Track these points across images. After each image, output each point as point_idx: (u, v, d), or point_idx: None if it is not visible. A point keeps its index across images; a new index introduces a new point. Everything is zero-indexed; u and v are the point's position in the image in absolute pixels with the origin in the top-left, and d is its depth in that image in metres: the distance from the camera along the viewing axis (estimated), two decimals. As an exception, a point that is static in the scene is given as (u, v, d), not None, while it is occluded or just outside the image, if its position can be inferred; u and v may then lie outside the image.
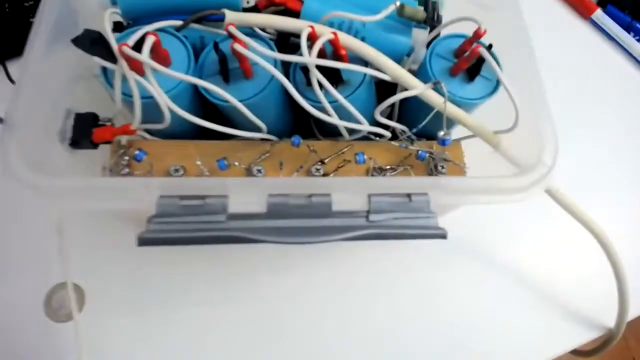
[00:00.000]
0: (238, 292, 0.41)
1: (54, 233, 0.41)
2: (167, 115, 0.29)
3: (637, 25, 0.55)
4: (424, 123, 0.30)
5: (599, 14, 0.57)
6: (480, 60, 0.31)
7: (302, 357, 0.39)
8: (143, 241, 0.24)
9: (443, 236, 0.26)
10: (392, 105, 0.34)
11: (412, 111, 0.35)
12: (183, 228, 0.25)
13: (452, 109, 0.31)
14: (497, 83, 0.32)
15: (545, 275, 0.44)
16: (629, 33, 0.55)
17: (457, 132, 0.35)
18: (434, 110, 0.30)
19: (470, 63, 0.31)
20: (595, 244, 0.36)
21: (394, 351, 0.40)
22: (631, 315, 0.40)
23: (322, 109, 0.29)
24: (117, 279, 0.41)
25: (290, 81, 0.29)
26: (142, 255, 0.41)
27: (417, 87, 0.30)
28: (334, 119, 0.29)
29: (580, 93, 0.53)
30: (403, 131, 0.33)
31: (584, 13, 0.58)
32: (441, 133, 0.30)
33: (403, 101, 0.33)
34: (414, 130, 0.32)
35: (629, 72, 0.55)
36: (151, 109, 0.28)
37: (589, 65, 0.56)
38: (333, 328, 0.40)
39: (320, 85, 0.29)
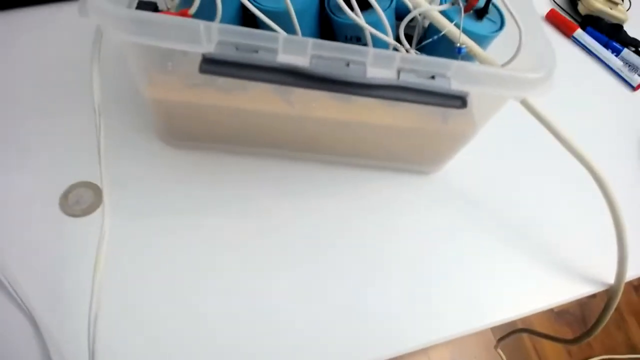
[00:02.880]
0: (253, 209, 0.43)
1: (82, 133, 0.43)
2: (219, 8, 0.33)
3: (614, 44, 0.63)
4: (440, 34, 0.35)
5: (580, 33, 0.65)
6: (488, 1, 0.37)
7: (309, 270, 0.41)
8: (208, 61, 0.27)
9: (463, 102, 0.30)
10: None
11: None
12: (240, 60, 0.28)
13: (463, 38, 0.36)
14: (502, 23, 0.38)
15: (545, 221, 0.47)
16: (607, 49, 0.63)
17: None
18: (450, 25, 0.35)
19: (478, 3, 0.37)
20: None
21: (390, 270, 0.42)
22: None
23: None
24: (138, 183, 0.43)
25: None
26: (165, 160, 0.44)
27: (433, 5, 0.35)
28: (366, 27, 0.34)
29: (565, 102, 0.59)
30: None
31: (567, 32, 0.66)
32: (457, 44, 0.35)
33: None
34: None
35: (610, 82, 0.62)
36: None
37: (573, 77, 0.63)
38: (334, 245, 0.42)
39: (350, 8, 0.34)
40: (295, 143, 0.44)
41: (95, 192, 0.42)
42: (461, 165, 0.48)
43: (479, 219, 0.46)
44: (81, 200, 0.42)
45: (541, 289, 0.44)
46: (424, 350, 1.07)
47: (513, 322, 1.11)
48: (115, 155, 0.43)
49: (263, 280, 0.40)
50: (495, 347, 0.86)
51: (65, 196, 0.41)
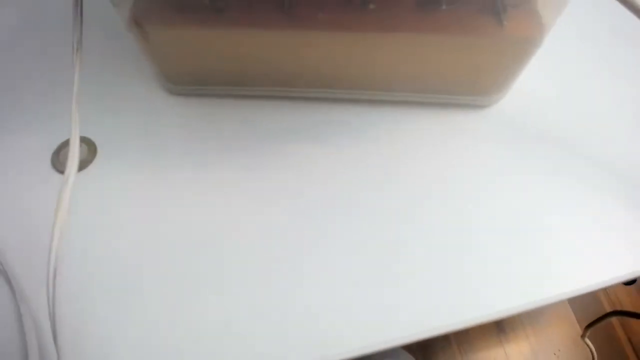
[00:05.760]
0: (262, 159, 0.36)
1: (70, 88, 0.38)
2: None
3: None
4: None
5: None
6: None
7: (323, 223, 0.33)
8: None
9: None
10: None
11: None
12: None
13: None
14: None
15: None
16: None
17: None
18: None
19: None
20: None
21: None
22: None
23: None
24: (135, 135, 0.37)
25: None
26: (164, 108, 0.38)
27: None
28: None
29: None
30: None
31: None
32: None
33: None
34: None
35: None
36: None
37: None
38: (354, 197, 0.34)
39: None
40: (311, 75, 0.36)
41: (90, 147, 0.37)
42: (528, 94, 0.38)
43: (555, 163, 0.36)
44: (73, 155, 0.36)
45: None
46: (500, 344, 0.96)
47: (601, 307, 0.96)
48: (109, 105, 0.38)
49: (280, 237, 0.33)
50: (583, 336, 0.73)
51: (57, 153, 0.37)
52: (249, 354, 0.28)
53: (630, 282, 0.94)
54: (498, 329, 0.98)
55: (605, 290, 1.00)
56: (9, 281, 0.30)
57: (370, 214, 0.34)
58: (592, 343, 0.77)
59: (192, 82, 0.37)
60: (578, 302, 0.99)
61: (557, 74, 0.40)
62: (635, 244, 0.33)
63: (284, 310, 0.30)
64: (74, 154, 0.28)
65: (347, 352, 0.29)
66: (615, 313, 0.62)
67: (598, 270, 0.32)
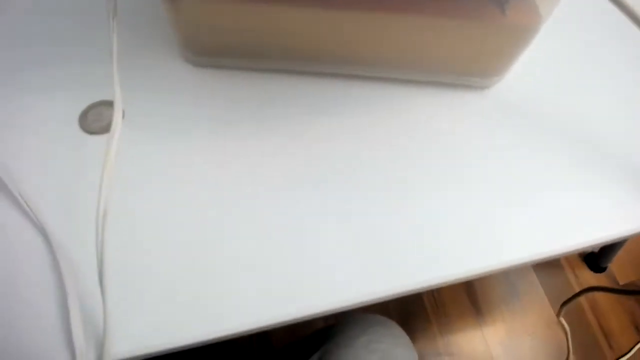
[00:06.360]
0: (281, 130, 0.39)
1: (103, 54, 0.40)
2: None
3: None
4: None
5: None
6: None
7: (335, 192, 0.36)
8: None
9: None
10: None
11: None
12: None
13: None
14: None
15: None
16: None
17: None
18: None
19: None
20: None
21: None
22: None
23: None
24: (161, 102, 0.39)
25: None
26: (188, 79, 0.41)
27: None
28: None
29: None
30: None
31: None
32: None
33: None
34: None
35: None
36: None
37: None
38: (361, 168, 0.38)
39: None
40: (327, 51, 0.39)
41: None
42: (524, 77, 0.42)
43: (549, 141, 0.40)
44: (100, 117, 0.38)
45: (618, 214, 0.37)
46: (478, 326, 1.01)
47: (572, 291, 1.02)
48: (134, 73, 0.40)
49: (291, 205, 0.36)
50: (558, 314, 0.78)
51: (84, 114, 0.39)
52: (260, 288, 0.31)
53: (601, 270, 0.99)
54: (476, 311, 1.03)
55: (576, 276, 1.06)
56: (45, 234, 0.32)
57: (372, 184, 0.37)
58: (566, 323, 0.82)
59: (215, 54, 0.40)
60: (551, 287, 1.04)
61: (553, 59, 0.44)
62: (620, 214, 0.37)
63: (283, 260, 0.33)
64: (118, 109, 0.31)
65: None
66: (588, 289, 0.67)
67: (580, 233, 0.36)
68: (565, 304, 0.74)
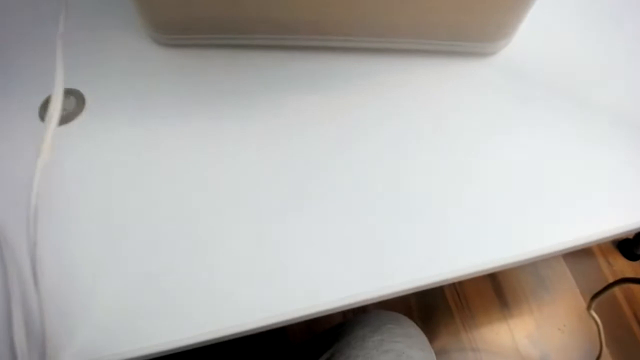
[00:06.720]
0: (255, 109, 0.35)
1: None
2: None
3: None
4: None
5: None
6: None
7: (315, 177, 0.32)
8: None
9: None
10: None
11: None
12: None
13: None
14: None
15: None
16: None
17: None
18: None
19: None
20: None
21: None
22: None
23: None
24: (123, 88, 0.36)
25: None
26: (153, 59, 0.37)
27: None
28: None
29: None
30: None
31: None
32: None
33: None
34: None
35: None
36: None
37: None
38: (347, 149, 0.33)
39: None
40: (305, 19, 0.34)
41: (78, 99, 0.36)
42: (533, 39, 0.36)
43: (555, 114, 0.35)
44: (62, 108, 0.35)
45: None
46: (504, 319, 0.95)
47: (605, 281, 0.95)
48: (98, 58, 0.37)
49: (270, 190, 0.31)
50: (588, 308, 0.72)
51: (44, 105, 0.35)
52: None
53: (637, 257, 0.92)
54: (501, 303, 0.97)
55: (610, 265, 0.98)
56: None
57: (367, 160, 0.32)
58: (598, 316, 0.76)
59: (181, 30, 0.36)
60: (582, 276, 0.97)
61: (558, 22, 0.39)
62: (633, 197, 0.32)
63: (262, 256, 0.29)
64: (58, 95, 0.27)
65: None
66: (621, 281, 0.60)
67: (596, 221, 0.31)
68: (596, 296, 0.68)
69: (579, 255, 1.00)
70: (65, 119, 0.34)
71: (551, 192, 0.31)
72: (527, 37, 0.36)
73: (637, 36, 0.38)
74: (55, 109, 0.28)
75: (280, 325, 0.28)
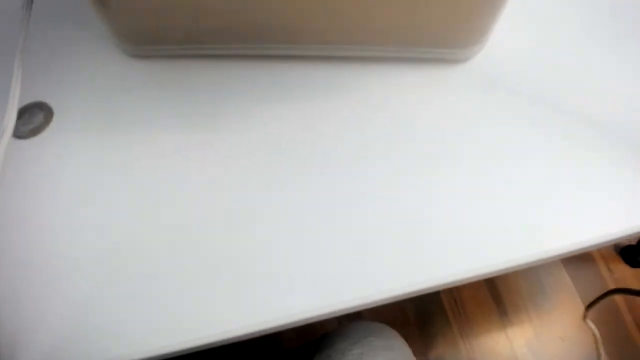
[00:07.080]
0: (227, 120, 0.34)
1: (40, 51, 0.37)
2: None
3: None
4: None
5: None
6: None
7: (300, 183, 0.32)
8: None
9: None
10: None
11: None
12: None
13: None
14: None
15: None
16: None
17: None
18: None
19: None
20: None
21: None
22: None
23: None
24: (97, 99, 0.36)
25: None
26: (123, 74, 0.37)
27: None
28: None
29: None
30: None
31: None
32: None
33: None
34: None
35: None
36: None
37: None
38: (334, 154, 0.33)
39: None
40: (276, 28, 0.34)
41: (46, 112, 0.36)
42: (504, 48, 0.36)
43: (530, 116, 0.34)
44: (31, 120, 0.35)
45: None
46: (503, 328, 0.94)
47: (603, 284, 0.93)
48: (67, 70, 0.37)
49: (239, 198, 0.31)
50: (584, 317, 0.71)
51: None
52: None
53: (638, 264, 0.90)
54: (500, 312, 0.96)
55: (611, 272, 0.97)
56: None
57: (348, 167, 0.32)
58: (596, 325, 0.74)
59: (149, 41, 0.36)
60: (582, 284, 0.96)
61: (530, 27, 0.38)
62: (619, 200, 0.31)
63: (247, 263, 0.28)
64: (13, 104, 0.27)
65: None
66: (616, 291, 0.59)
67: (594, 225, 0.30)
68: (591, 306, 0.67)
69: (579, 262, 0.98)
70: (33, 132, 0.34)
71: (545, 199, 0.31)
72: (501, 42, 0.36)
73: (611, 40, 0.37)
74: (10, 121, 0.28)
75: (266, 333, 0.27)
